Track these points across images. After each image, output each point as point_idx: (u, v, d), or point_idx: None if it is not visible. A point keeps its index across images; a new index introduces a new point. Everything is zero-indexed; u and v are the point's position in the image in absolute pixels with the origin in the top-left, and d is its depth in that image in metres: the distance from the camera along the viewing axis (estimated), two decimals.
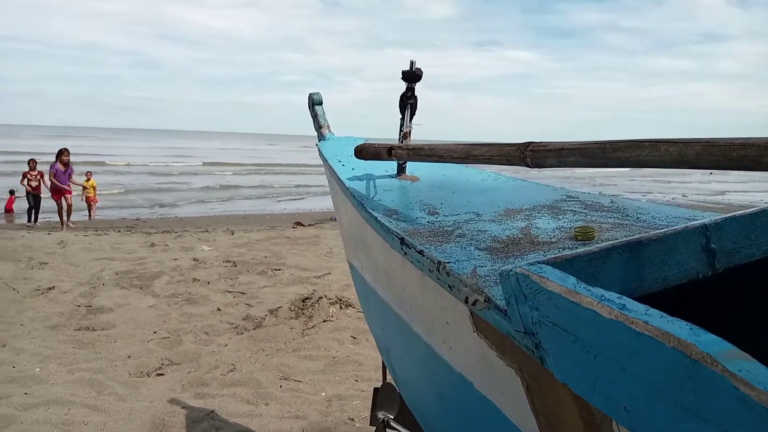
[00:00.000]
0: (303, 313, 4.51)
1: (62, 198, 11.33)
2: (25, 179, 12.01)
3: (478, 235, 1.31)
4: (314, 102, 2.25)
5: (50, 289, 4.90)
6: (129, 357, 3.63)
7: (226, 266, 5.98)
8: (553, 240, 1.27)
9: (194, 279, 5.41)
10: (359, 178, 1.81)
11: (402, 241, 1.29)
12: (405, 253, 1.30)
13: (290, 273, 5.82)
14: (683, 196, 23.19)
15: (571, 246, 1.22)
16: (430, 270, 1.17)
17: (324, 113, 2.27)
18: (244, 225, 11.31)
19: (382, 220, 1.44)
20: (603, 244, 0.97)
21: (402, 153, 1.55)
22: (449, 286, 1.11)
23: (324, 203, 18.58)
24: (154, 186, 22.25)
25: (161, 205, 17.11)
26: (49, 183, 11.63)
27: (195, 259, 6.14)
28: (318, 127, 2.25)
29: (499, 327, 0.96)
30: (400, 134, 1.76)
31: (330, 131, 2.26)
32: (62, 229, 10.06)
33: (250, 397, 3.13)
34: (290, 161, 41.78)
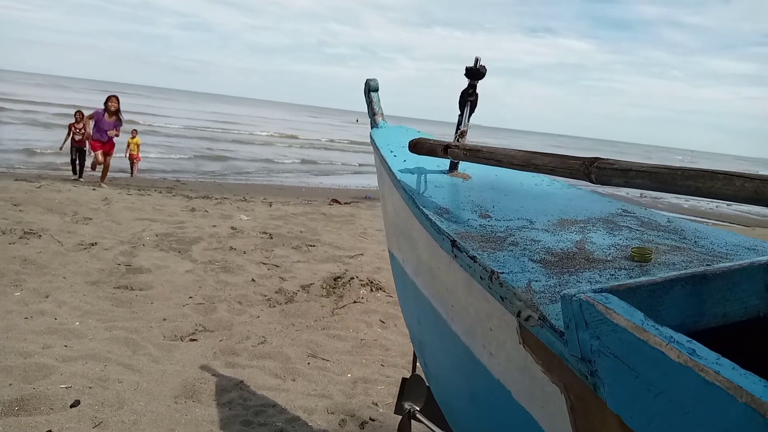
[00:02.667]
0: (334, 292, 4.55)
1: (101, 151, 10.29)
2: (70, 131, 11.57)
3: (532, 245, 1.29)
4: (370, 88, 2.23)
5: (93, 245, 5.04)
6: (164, 319, 3.73)
7: (262, 238, 6.05)
8: (609, 258, 1.24)
9: (231, 247, 5.50)
10: (410, 171, 1.79)
11: (453, 243, 1.28)
12: (455, 256, 1.29)
13: (324, 250, 5.87)
14: (728, 204, 22.49)
15: (627, 266, 1.19)
16: (481, 278, 1.16)
17: (379, 100, 2.25)
18: (280, 196, 11.43)
19: (434, 219, 1.42)
20: (666, 276, 0.94)
21: (458, 153, 1.52)
22: (501, 297, 1.09)
23: (359, 181, 18.65)
24: (195, 149, 22.62)
25: (202, 169, 17.39)
26: (87, 129, 10.73)
27: (233, 228, 6.24)
28: (372, 114, 2.24)
29: (552, 347, 0.95)
30: (456, 132, 1.73)
31: (383, 119, 2.24)
32: (101, 183, 9.67)
33: (279, 371, 3.19)
34: (331, 136, 41.91)
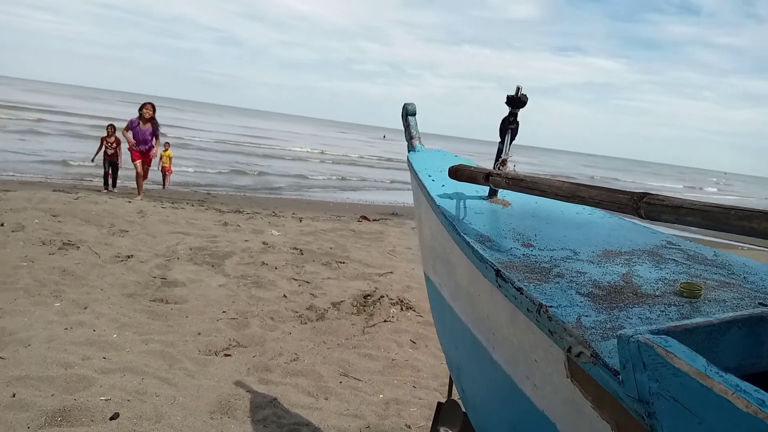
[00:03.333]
0: (364, 310, 4.57)
1: (141, 161, 10.03)
2: (102, 145, 11.58)
3: (578, 277, 1.29)
4: (408, 112, 2.26)
5: (129, 257, 5.15)
6: (199, 334, 3.78)
7: (293, 253, 6.11)
8: (657, 293, 1.24)
9: (263, 263, 5.56)
10: (449, 196, 1.81)
11: (498, 273, 1.29)
12: (499, 286, 1.30)
13: (354, 267, 5.90)
14: None
15: (677, 303, 1.19)
16: (528, 310, 1.17)
17: (416, 124, 2.28)
18: (309, 211, 11.53)
19: (476, 247, 1.44)
20: (723, 317, 0.94)
21: (500, 181, 1.54)
22: (549, 330, 1.10)
23: (386, 197, 18.70)
24: (225, 162, 22.97)
25: (232, 183, 17.64)
26: (127, 141, 10.10)
27: (264, 243, 6.32)
28: (409, 137, 2.26)
29: (605, 384, 0.96)
30: (497, 160, 1.74)
31: (420, 143, 2.27)
32: (139, 196, 9.60)
33: (311, 389, 3.21)
34: (359, 152, 42.15)
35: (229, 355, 3.54)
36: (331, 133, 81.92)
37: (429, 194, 1.82)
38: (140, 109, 10.15)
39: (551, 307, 1.11)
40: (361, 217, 9.70)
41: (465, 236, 1.49)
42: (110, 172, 11.47)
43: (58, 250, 5.02)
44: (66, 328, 3.57)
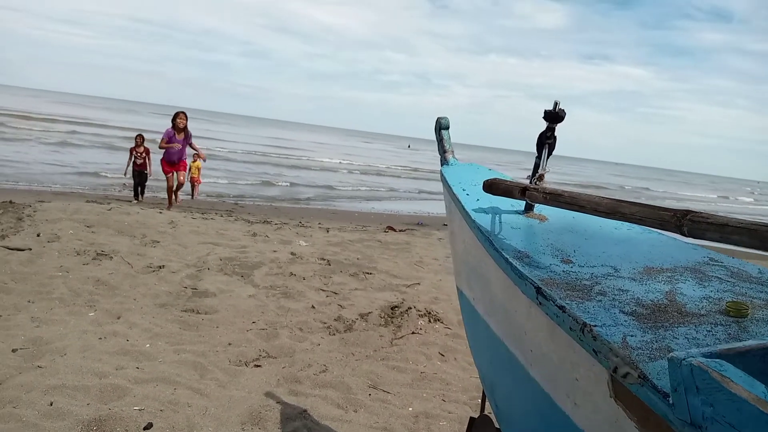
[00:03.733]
0: (392, 322, 4.56)
1: (174, 173, 10.07)
2: (131, 156, 11.68)
3: (620, 295, 1.27)
4: (441, 126, 2.27)
5: (160, 267, 5.23)
6: (229, 344, 3.82)
7: (320, 264, 6.14)
8: (702, 312, 1.21)
9: (291, 273, 5.59)
10: (485, 211, 1.80)
11: (538, 290, 1.28)
12: (540, 303, 1.29)
13: (381, 278, 5.90)
14: None
15: (723, 322, 1.17)
16: (571, 329, 1.16)
17: (450, 138, 2.28)
18: (334, 221, 11.58)
19: (514, 263, 1.43)
20: None
21: (538, 196, 1.52)
22: (594, 350, 1.09)
23: (411, 206, 18.69)
24: (252, 172, 23.24)
25: (259, 193, 17.82)
26: (160, 149, 10.13)
27: (292, 254, 6.36)
28: (443, 151, 2.26)
29: (653, 406, 0.94)
30: (534, 174, 1.73)
31: (454, 156, 2.27)
32: (168, 208, 9.53)
33: (341, 401, 3.21)
34: (384, 161, 42.26)
35: (259, 366, 3.56)
36: (357, 143, 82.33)
37: (463, 208, 1.82)
38: (174, 119, 10.09)
39: (595, 326, 1.09)
40: (387, 227, 9.71)
41: (502, 252, 1.47)
42: (139, 182, 11.64)
43: (92, 261, 5.13)
44: (100, 338, 3.64)
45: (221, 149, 30.05)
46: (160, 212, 7.90)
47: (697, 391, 0.80)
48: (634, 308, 1.21)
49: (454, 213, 2.04)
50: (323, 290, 5.27)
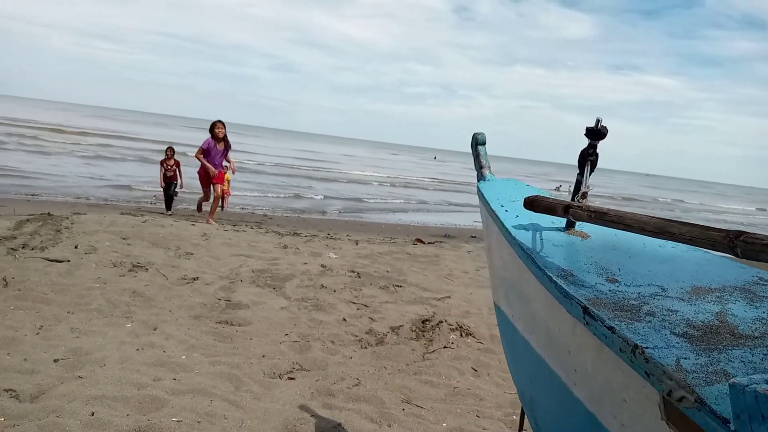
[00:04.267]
0: (423, 336, 4.55)
1: (212, 186, 9.54)
2: (162, 168, 11.62)
3: (669, 315, 1.26)
4: (477, 141, 2.27)
5: (194, 279, 5.31)
6: (263, 356, 3.85)
7: (350, 276, 6.16)
8: (756, 334, 1.19)
9: (322, 285, 5.63)
10: (525, 228, 1.79)
11: (586, 310, 1.27)
12: (587, 323, 1.28)
13: (411, 291, 5.89)
14: None
15: None
16: (621, 350, 1.15)
17: (486, 153, 2.28)
18: (362, 233, 11.62)
19: (559, 282, 1.42)
20: None
21: (582, 214, 1.52)
22: (646, 372, 1.08)
23: (438, 218, 18.66)
24: (280, 184, 23.47)
25: (287, 205, 17.98)
26: (209, 170, 9.36)
27: (323, 266, 6.39)
28: (479, 167, 2.27)
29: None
30: (577, 192, 1.72)
31: (491, 172, 2.27)
32: (208, 221, 9.08)
33: (374, 415, 3.21)
34: (410, 173, 42.31)
35: (293, 379, 3.58)
36: (383, 154, 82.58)
37: (503, 225, 1.81)
38: (212, 129, 9.45)
39: (647, 348, 1.08)
40: (415, 239, 9.70)
41: (546, 270, 1.47)
42: (169, 194, 11.68)
43: (128, 272, 5.23)
44: (138, 349, 3.70)
45: (249, 161, 30.43)
46: (193, 224, 8.03)
47: (762, 420, 0.79)
48: (685, 330, 1.19)
49: (491, 229, 2.03)
50: (354, 303, 5.28)
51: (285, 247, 7.23)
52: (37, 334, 3.80)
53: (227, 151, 9.75)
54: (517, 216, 1.85)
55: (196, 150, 9.71)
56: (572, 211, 1.55)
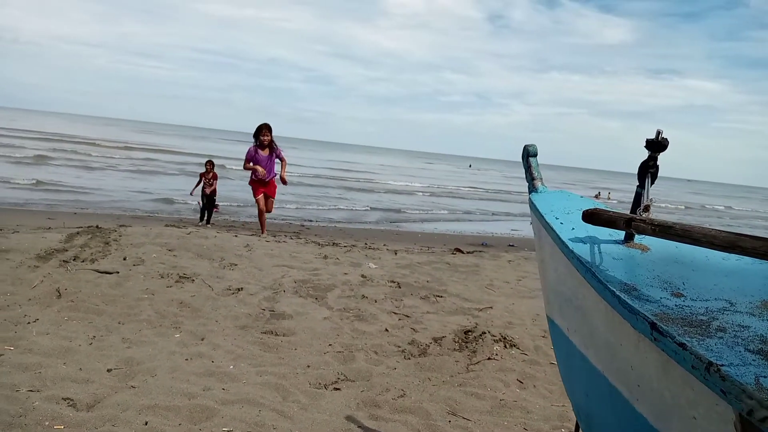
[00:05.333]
0: (467, 347, 4.51)
1: (263, 194, 9.18)
2: (200, 180, 11.81)
3: (741, 331, 1.22)
4: (529, 153, 2.26)
5: (239, 290, 5.39)
6: (308, 366, 3.88)
7: (391, 286, 6.16)
8: None
9: (363, 296, 5.64)
10: (582, 240, 1.77)
11: (653, 326, 1.24)
12: (655, 339, 1.25)
13: (452, 302, 5.86)
14: None
15: None
16: (693, 367, 1.12)
17: (538, 165, 2.26)
18: (398, 242, 11.63)
19: (622, 296, 1.39)
20: None
21: (645, 228, 1.49)
22: (722, 390, 1.05)
23: (474, 227, 18.54)
24: (316, 194, 23.70)
25: (324, 215, 18.12)
26: (255, 173, 9.02)
27: (363, 276, 6.42)
28: (531, 178, 2.25)
29: None
30: (638, 205, 1.69)
31: (543, 184, 2.25)
32: (261, 234, 9.01)
33: (421, 427, 3.19)
34: (445, 182, 42.19)
35: (338, 389, 3.59)
36: (418, 163, 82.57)
37: (559, 238, 1.79)
38: (257, 135, 9.03)
39: (722, 365, 1.05)
40: (455, 249, 9.65)
41: (608, 284, 1.44)
42: (206, 207, 11.82)
43: (175, 283, 5.34)
44: (186, 359, 3.77)
45: (287, 173, 30.86)
46: (236, 236, 8.16)
47: None
48: (760, 346, 1.15)
49: (545, 241, 2.01)
50: (395, 313, 5.28)
51: (325, 257, 7.28)
52: (90, 344, 3.91)
53: (275, 157, 9.19)
54: (573, 228, 1.82)
55: (243, 162, 9.32)
56: (635, 224, 1.52)
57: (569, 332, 1.93)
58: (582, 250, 1.68)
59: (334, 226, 15.48)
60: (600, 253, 1.67)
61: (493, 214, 24.19)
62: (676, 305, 1.35)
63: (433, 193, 32.02)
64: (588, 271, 1.57)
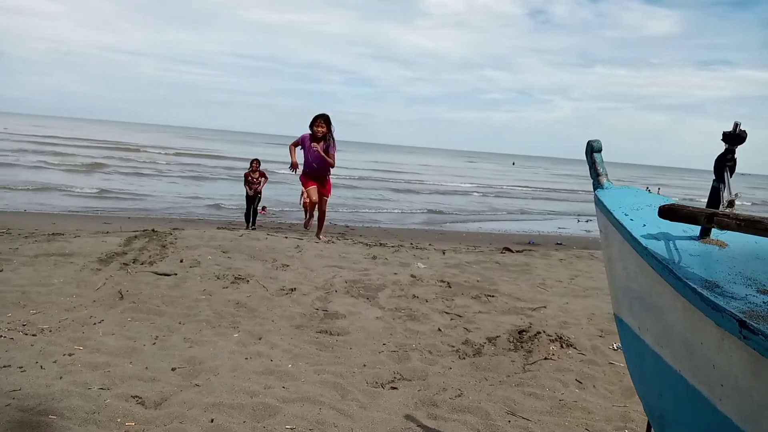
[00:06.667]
0: (522, 347, 4.46)
1: (313, 188, 8.37)
2: (246, 180, 11.56)
3: None
4: (593, 149, 2.22)
5: (292, 290, 5.47)
6: (364, 365, 3.91)
7: (440, 286, 6.15)
8: None
9: (414, 296, 5.65)
10: (655, 237, 1.73)
11: (743, 324, 1.21)
12: (744, 337, 1.22)
13: (504, 301, 5.80)
14: None
15: None
16: None
17: (602, 161, 2.22)
18: (443, 242, 11.60)
19: (705, 294, 1.36)
20: None
21: (730, 223, 1.44)
22: None
23: (519, 226, 18.31)
24: (359, 195, 23.85)
25: (369, 216, 18.22)
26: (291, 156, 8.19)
27: (412, 276, 6.42)
28: (596, 175, 2.21)
29: None
30: (717, 201, 1.64)
31: (608, 180, 2.21)
32: (319, 237, 8.56)
33: (480, 427, 3.18)
34: (490, 180, 41.82)
35: (395, 388, 3.61)
36: (460, 162, 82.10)
37: (630, 234, 1.76)
38: (311, 124, 8.20)
39: None
40: (504, 248, 9.56)
41: (688, 281, 1.41)
42: (251, 208, 11.54)
43: (231, 284, 5.46)
44: (246, 358, 3.86)
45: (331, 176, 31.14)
46: (286, 237, 8.28)
47: None
48: None
49: (613, 238, 1.97)
50: (447, 313, 5.26)
51: (374, 257, 7.32)
52: (154, 344, 4.04)
53: (327, 152, 8.26)
54: (644, 225, 1.78)
55: (291, 150, 8.53)
56: (718, 219, 1.48)
57: (640, 331, 1.89)
58: (656, 247, 1.64)
59: (378, 226, 15.55)
60: (676, 249, 1.63)
61: (539, 213, 23.87)
62: (764, 302, 1.31)
63: (476, 192, 31.80)
64: (665, 268, 1.53)
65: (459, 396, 3.57)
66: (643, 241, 1.69)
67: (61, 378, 3.32)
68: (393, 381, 3.73)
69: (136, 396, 3.17)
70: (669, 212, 1.61)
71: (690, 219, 1.56)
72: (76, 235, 7.44)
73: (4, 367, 3.41)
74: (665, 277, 1.54)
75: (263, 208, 12.14)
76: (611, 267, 2.12)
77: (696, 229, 1.72)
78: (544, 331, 4.72)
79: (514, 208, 25.10)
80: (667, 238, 1.70)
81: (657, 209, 1.72)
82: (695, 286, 1.39)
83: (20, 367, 3.43)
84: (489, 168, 70.71)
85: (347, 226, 14.41)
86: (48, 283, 5.16)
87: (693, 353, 1.50)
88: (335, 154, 8.49)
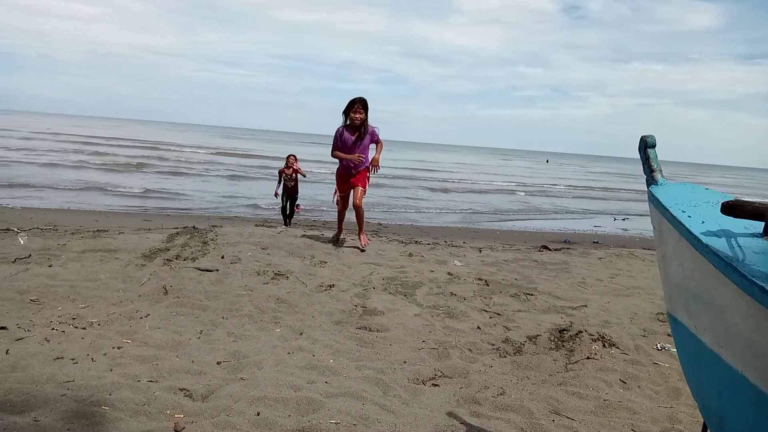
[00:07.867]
0: (563, 346, 4.41)
1: (351, 190, 7.37)
2: (281, 178, 11.22)
3: None
4: (647, 144, 2.18)
5: (331, 286, 5.52)
6: (404, 362, 3.92)
7: (478, 284, 6.12)
8: None
9: (451, 293, 5.63)
10: (715, 234, 1.69)
11: None
12: None
13: (543, 300, 5.74)
14: None
15: None
16: None
17: (657, 156, 2.18)
18: (477, 240, 11.53)
19: None
20: None
21: None
22: None
23: (554, 224, 18.08)
24: (393, 194, 23.86)
25: (400, 214, 18.23)
26: (341, 159, 7.23)
27: (449, 273, 6.41)
28: (650, 171, 2.17)
29: None
30: None
31: (662, 176, 2.17)
32: (360, 239, 7.49)
33: (524, 425, 3.15)
34: (523, 179, 41.40)
35: (436, 386, 3.61)
36: (494, 160, 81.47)
37: (688, 231, 1.72)
38: (347, 111, 7.13)
39: None
40: (541, 246, 9.46)
41: (755, 280, 1.38)
42: (287, 206, 11.32)
43: (271, 280, 5.54)
44: (288, 353, 3.90)
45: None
46: (322, 234, 8.35)
47: None
48: None
49: (668, 235, 1.94)
50: (485, 311, 5.24)
51: (410, 255, 7.32)
52: (199, 338, 4.12)
53: (367, 143, 7.24)
54: (703, 222, 1.75)
55: (332, 146, 7.39)
56: None
57: (697, 330, 1.85)
58: (717, 244, 1.61)
59: (411, 224, 15.55)
60: (738, 246, 1.59)
61: (574, 212, 23.53)
62: None
63: (511, 191, 31.52)
64: (728, 265, 1.50)
65: (501, 394, 3.54)
66: (704, 238, 1.65)
67: (111, 370, 3.41)
68: (434, 378, 3.73)
69: (184, 389, 3.24)
70: (733, 208, 1.57)
71: (756, 215, 1.52)
72: (120, 232, 7.64)
73: (58, 358, 3.52)
74: (728, 275, 1.50)
75: (297, 206, 12.16)
76: (666, 265, 2.08)
77: (758, 227, 1.68)
78: (585, 330, 4.66)
79: (548, 206, 24.81)
80: (728, 235, 1.66)
81: (715, 206, 1.68)
82: (763, 284, 1.35)
83: (72, 359, 3.53)
84: (523, 165, 69.95)
85: (380, 224, 14.45)
86: (95, 278, 5.31)
87: (757, 353, 1.46)
88: (379, 136, 7.35)
